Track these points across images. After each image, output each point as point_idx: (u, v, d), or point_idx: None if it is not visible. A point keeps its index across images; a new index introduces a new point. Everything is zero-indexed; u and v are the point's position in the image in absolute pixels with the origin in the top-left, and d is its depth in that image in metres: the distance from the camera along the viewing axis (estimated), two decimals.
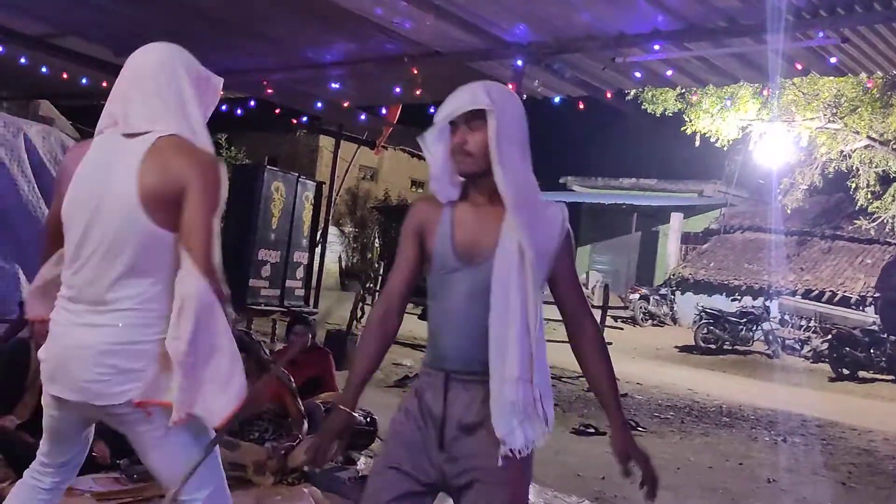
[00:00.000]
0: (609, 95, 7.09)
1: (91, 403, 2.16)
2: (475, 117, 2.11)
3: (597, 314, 12.79)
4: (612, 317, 17.64)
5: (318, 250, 10.60)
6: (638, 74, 6.52)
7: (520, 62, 6.22)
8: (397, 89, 8.11)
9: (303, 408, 4.91)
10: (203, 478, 2.20)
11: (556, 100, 7.40)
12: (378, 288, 14.80)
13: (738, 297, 19.72)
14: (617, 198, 25.22)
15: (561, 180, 27.74)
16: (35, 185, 8.25)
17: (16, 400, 4.08)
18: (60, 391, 2.20)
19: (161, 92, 2.22)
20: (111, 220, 2.12)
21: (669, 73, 6.47)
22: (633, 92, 12.12)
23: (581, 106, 7.52)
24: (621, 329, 18.37)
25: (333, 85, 8.21)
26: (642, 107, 13.98)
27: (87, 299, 2.16)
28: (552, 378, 10.40)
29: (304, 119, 11.29)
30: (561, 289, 2.23)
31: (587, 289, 22.48)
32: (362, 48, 6.99)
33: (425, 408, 2.14)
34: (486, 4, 5.61)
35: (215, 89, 2.40)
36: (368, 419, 5.31)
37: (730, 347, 16.69)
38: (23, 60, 9.26)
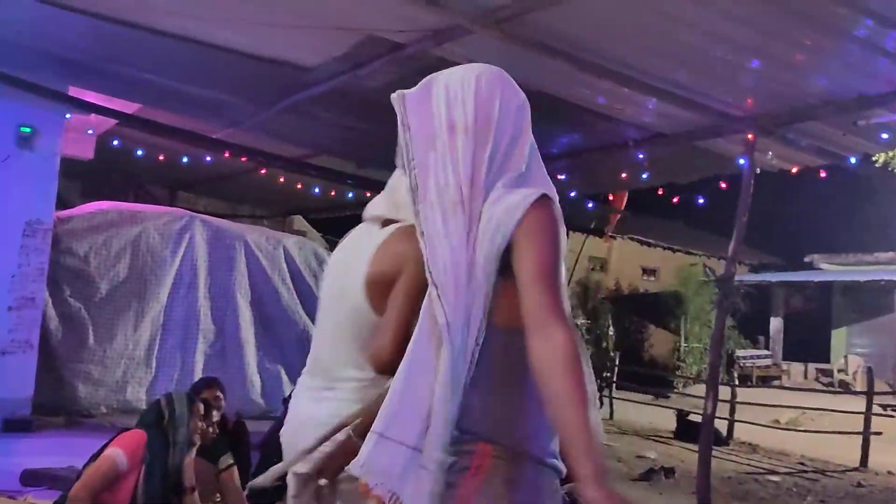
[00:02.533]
0: (853, 162, 6.64)
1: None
2: None
3: (861, 401, 11.72)
4: (880, 405, 15.89)
5: None
6: (885, 136, 6.08)
7: (750, 136, 6.03)
8: (623, 175, 8.12)
9: None
10: None
11: (794, 171, 7.05)
12: (615, 379, 14.47)
13: None
14: (874, 274, 23.05)
15: (806, 259, 25.92)
16: (294, 292, 9.08)
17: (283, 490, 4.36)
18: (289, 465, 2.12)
19: None
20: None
21: None
22: (881, 157, 11.22)
23: (822, 175, 7.09)
24: (892, 416, 16.48)
25: (559, 176, 8.38)
26: (894, 172, 12.86)
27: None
28: (814, 472, 9.43)
29: None
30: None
31: (847, 375, 20.53)
32: (586, 137, 7.13)
33: None
34: (711, 82, 5.54)
35: None
36: None
37: None
38: (282, 180, 10.35)
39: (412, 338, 1.72)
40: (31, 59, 6.26)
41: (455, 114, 1.83)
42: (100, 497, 3.59)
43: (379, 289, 1.97)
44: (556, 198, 1.79)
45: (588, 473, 1.44)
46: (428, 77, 1.88)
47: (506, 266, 1.67)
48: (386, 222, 2.17)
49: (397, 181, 2.17)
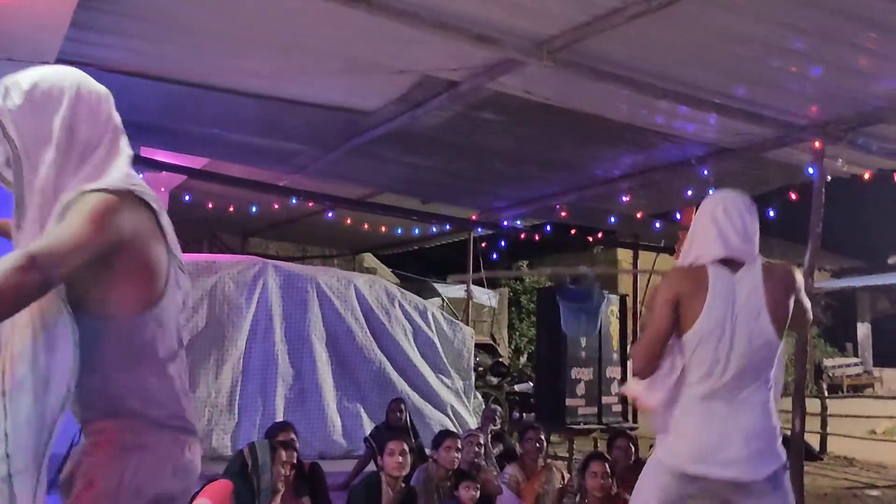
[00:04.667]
0: None
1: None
2: None
3: None
4: None
5: (629, 364, 10.46)
6: None
7: (817, 144, 5.89)
8: (689, 192, 8.00)
9: None
10: None
11: (866, 176, 6.84)
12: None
13: None
14: None
15: (890, 261, 24.99)
16: (367, 330, 9.18)
17: None
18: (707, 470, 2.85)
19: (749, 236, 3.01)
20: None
21: None
22: None
23: None
24: None
25: (624, 198, 8.33)
26: None
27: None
28: None
29: (600, 235, 11.47)
30: None
31: None
32: (648, 157, 7.07)
33: None
34: (772, 93, 5.44)
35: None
36: None
37: None
38: (349, 221, 10.53)
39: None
40: None
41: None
42: None
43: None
44: (128, 188, 1.86)
45: None
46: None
47: (101, 259, 1.77)
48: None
49: None
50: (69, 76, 1.95)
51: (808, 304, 3.02)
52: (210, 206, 9.36)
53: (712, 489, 2.92)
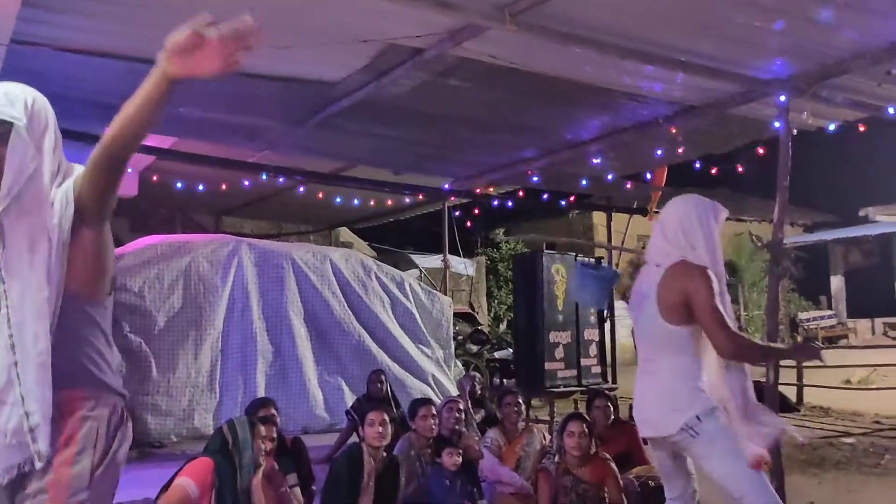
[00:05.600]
0: (892, 112, 6.46)
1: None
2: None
3: None
4: None
5: (607, 325, 10.54)
6: None
7: (783, 97, 5.92)
8: (659, 152, 8.04)
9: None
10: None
11: (832, 128, 6.90)
12: None
13: None
14: None
15: (861, 213, 25.28)
16: (345, 304, 9.18)
17: (355, 501, 4.43)
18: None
19: (677, 239, 3.42)
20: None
21: None
22: None
23: (861, 129, 6.93)
24: None
25: (595, 160, 8.34)
26: None
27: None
28: (890, 430, 9.22)
29: (573, 199, 11.51)
30: None
31: None
32: (616, 119, 7.08)
33: None
34: (735, 48, 5.45)
35: (721, 218, 3.48)
36: None
37: None
38: (320, 195, 10.47)
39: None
40: (68, 107, 6.43)
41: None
42: None
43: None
44: None
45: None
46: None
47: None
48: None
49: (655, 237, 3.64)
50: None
51: (700, 297, 3.30)
52: (180, 186, 9.26)
53: (652, 443, 3.56)
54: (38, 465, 2.01)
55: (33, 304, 2.04)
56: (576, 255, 10.13)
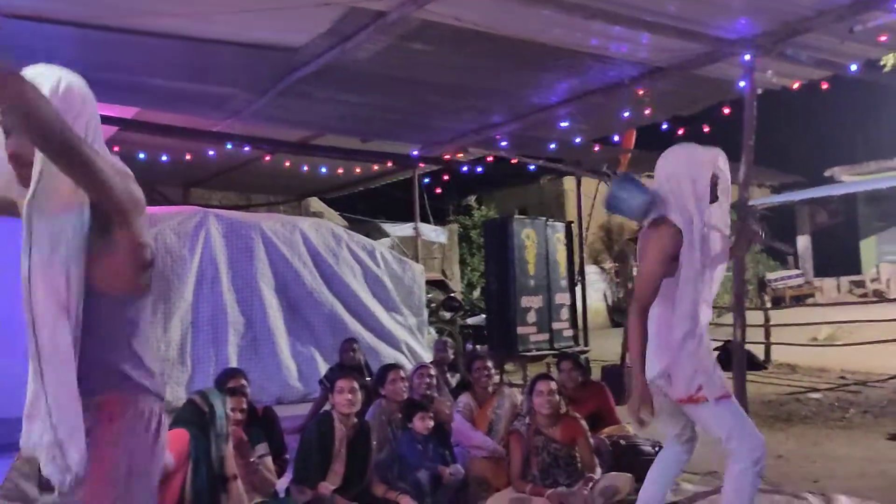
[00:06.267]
0: (855, 69, 6.50)
1: None
2: None
3: None
4: None
5: (578, 289, 10.61)
6: (884, 38, 5.94)
7: (748, 57, 5.93)
8: (626, 114, 8.03)
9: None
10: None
11: (796, 87, 6.93)
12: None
13: None
14: None
15: (826, 173, 25.54)
16: (316, 274, 9.13)
17: (327, 468, 4.44)
18: None
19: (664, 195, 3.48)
20: None
21: None
22: (889, 60, 10.98)
23: (825, 87, 6.96)
24: None
25: (562, 124, 8.31)
26: None
27: None
28: (855, 384, 9.40)
29: (541, 164, 11.48)
30: None
31: (881, 283, 20.33)
32: (584, 81, 7.05)
33: None
34: (700, 7, 5.43)
35: (718, 164, 3.53)
36: (656, 449, 5.17)
37: None
38: (287, 164, 10.35)
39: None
40: None
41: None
42: None
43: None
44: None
45: None
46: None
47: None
48: None
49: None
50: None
51: (647, 257, 3.47)
52: (143, 157, 9.09)
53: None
54: (69, 479, 1.96)
55: (55, 307, 1.95)
56: (545, 220, 10.17)
